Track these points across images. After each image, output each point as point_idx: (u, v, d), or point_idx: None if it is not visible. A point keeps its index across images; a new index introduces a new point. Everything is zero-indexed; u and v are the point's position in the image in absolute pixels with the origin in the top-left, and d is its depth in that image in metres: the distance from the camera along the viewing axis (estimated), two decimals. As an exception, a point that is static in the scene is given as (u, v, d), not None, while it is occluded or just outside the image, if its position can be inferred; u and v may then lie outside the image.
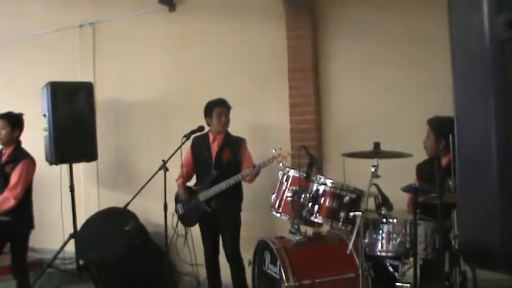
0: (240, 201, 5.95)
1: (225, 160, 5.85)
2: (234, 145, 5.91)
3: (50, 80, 6.67)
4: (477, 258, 1.55)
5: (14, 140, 5.96)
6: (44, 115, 6.68)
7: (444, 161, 4.68)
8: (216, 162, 5.88)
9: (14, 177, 5.72)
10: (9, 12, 8.60)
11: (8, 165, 5.82)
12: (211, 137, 6.00)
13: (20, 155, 5.90)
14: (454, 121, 1.57)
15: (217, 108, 5.91)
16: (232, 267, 5.85)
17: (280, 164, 5.35)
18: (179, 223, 6.16)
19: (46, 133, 6.68)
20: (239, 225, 5.91)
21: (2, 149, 5.98)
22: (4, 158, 5.91)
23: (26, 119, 6.07)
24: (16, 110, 6.00)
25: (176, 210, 6.07)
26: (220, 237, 5.96)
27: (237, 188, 5.83)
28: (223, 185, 5.69)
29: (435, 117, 4.84)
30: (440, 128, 4.70)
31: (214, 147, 5.94)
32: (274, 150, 5.44)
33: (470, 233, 1.52)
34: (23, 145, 6.02)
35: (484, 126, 1.41)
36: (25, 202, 5.78)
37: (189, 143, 5.92)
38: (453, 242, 4.04)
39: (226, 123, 5.94)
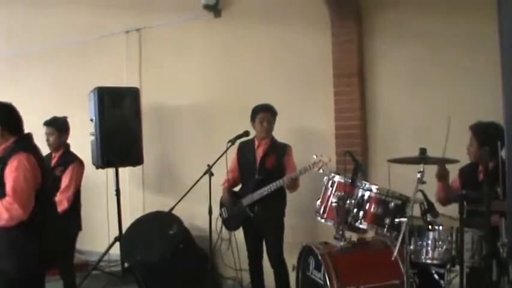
0: (283, 207, 5.93)
1: (268, 166, 5.85)
2: (279, 151, 5.89)
3: (97, 85, 6.76)
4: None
5: (62, 144, 6.08)
6: (91, 120, 6.78)
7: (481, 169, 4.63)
8: (260, 167, 5.89)
9: (65, 180, 5.85)
10: (57, 19, 8.76)
11: (57, 168, 5.93)
12: (256, 143, 6.02)
13: (70, 158, 6.02)
14: (497, 127, 1.54)
15: (260, 114, 5.93)
16: (275, 272, 5.85)
17: (321, 171, 5.36)
18: (223, 227, 6.19)
19: (93, 137, 6.77)
20: (282, 230, 5.90)
21: (52, 152, 6.09)
22: (54, 162, 6.02)
23: (73, 124, 6.18)
24: (64, 115, 6.12)
25: (220, 214, 6.11)
26: (264, 242, 5.97)
27: (280, 194, 5.80)
28: (265, 191, 5.70)
29: (477, 123, 4.77)
30: (483, 134, 4.64)
31: (259, 153, 5.96)
32: (315, 157, 5.43)
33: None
34: (71, 148, 6.14)
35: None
36: (74, 203, 5.89)
37: (234, 148, 5.96)
38: (501, 250, 3.97)
39: (269, 129, 5.94)
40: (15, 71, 9.15)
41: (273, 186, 5.64)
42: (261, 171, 5.87)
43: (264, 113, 5.93)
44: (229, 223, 6.14)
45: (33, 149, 4.22)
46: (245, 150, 6.06)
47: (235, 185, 6.19)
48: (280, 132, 6.00)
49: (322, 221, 5.03)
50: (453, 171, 4.88)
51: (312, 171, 5.44)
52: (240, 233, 6.13)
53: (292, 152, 5.91)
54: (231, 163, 6.05)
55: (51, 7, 8.81)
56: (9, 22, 9.40)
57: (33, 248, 4.09)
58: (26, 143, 4.26)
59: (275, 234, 5.87)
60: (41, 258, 4.14)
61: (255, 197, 5.78)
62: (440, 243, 4.23)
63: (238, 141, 5.91)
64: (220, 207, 6.12)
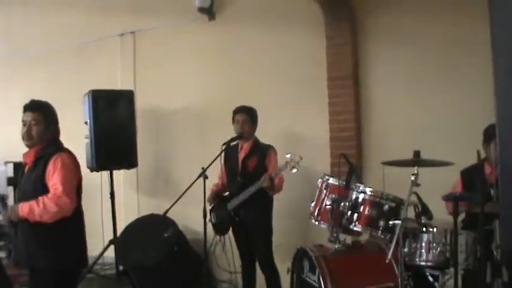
0: (269, 209, 5.88)
1: (250, 168, 5.84)
2: (261, 153, 5.87)
3: (91, 88, 6.75)
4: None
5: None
6: (86, 122, 6.76)
7: (489, 170, 4.64)
8: (241, 170, 5.90)
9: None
10: (53, 22, 8.78)
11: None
12: (240, 145, 6.02)
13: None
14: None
15: (236, 115, 5.98)
16: (266, 278, 5.85)
17: (294, 170, 5.35)
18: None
19: (87, 140, 6.76)
20: (269, 234, 5.87)
21: None
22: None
23: (68, 126, 6.16)
24: (58, 117, 6.10)
25: (210, 219, 6.09)
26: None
27: (264, 197, 5.74)
28: (246, 194, 5.69)
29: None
30: (486, 133, 4.67)
31: (241, 155, 5.96)
32: (288, 156, 5.42)
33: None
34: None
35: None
36: None
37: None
38: (495, 253, 3.98)
39: (244, 130, 5.91)
40: (12, 72, 9.16)
41: (252, 189, 5.63)
42: (242, 173, 5.87)
43: (239, 114, 5.94)
44: (218, 227, 6.14)
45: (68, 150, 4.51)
46: (230, 154, 6.05)
47: (225, 189, 6.19)
48: (274, 135, 6.02)
49: (317, 223, 5.02)
50: (450, 175, 4.88)
51: (312, 173, 5.42)
52: (231, 236, 6.14)
53: (275, 153, 5.83)
54: (221, 167, 6.06)
55: (48, 9, 8.84)
56: (6, 23, 9.42)
57: (71, 245, 4.35)
58: (60, 143, 4.57)
59: (262, 239, 5.84)
60: (82, 257, 4.52)
61: (238, 200, 5.78)
62: (434, 245, 4.25)
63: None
64: (210, 212, 6.11)
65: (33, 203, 4.16)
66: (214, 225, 6.15)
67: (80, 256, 4.52)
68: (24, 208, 4.18)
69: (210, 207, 6.10)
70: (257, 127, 6.04)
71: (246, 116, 5.92)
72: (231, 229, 6.09)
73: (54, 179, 4.24)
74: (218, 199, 6.08)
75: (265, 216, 5.86)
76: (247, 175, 5.80)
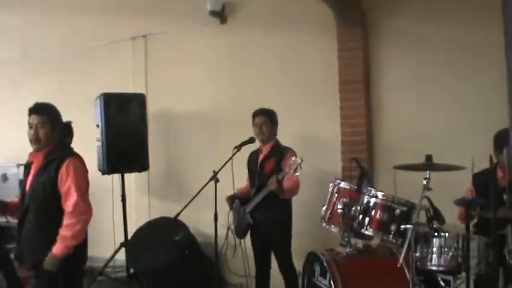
0: (286, 212, 5.81)
1: (267, 170, 5.79)
2: (279, 155, 5.81)
3: (103, 91, 6.77)
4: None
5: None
6: (97, 125, 6.77)
7: (501, 174, 4.61)
8: (259, 172, 5.87)
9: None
10: (64, 25, 8.83)
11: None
12: (260, 148, 6.02)
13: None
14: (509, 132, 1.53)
15: (256, 118, 5.96)
16: (283, 278, 5.80)
17: (297, 172, 5.31)
18: (229, 234, 6.19)
19: (99, 143, 6.77)
20: (288, 236, 5.82)
21: None
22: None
23: (80, 129, 6.17)
24: (70, 120, 6.12)
25: (233, 222, 6.11)
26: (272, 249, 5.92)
27: (281, 201, 5.67)
28: (259, 197, 5.69)
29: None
30: (496, 139, 4.64)
31: (260, 158, 5.95)
32: (292, 158, 5.39)
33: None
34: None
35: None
36: None
37: (241, 154, 5.93)
38: (507, 257, 3.96)
39: (264, 132, 5.90)
40: (24, 75, 9.22)
41: (265, 191, 5.61)
42: (260, 175, 5.85)
43: (258, 117, 5.93)
44: (237, 230, 6.12)
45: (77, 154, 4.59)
46: (252, 156, 6.08)
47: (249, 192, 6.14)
48: (286, 139, 5.99)
49: (328, 227, 5.02)
50: (461, 179, 4.86)
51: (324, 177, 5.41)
52: (246, 239, 6.12)
53: (292, 155, 5.66)
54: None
55: (60, 13, 8.87)
56: (19, 26, 9.47)
57: (81, 246, 4.43)
58: (69, 146, 4.66)
59: (280, 241, 5.80)
60: (85, 255, 4.63)
61: (253, 203, 5.77)
62: (446, 250, 4.22)
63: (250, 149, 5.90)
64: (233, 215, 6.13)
65: (60, 238, 4.27)
66: (235, 228, 6.14)
67: (81, 256, 4.59)
68: (58, 249, 4.27)
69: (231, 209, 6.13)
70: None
71: (265, 118, 5.91)
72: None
73: (67, 185, 4.32)
74: (232, 202, 6.07)
75: (283, 218, 5.79)
76: (264, 177, 5.76)
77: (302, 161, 5.31)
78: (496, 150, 4.61)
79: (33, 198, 4.37)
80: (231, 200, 6.04)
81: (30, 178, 4.50)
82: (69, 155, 4.46)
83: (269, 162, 5.83)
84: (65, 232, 4.27)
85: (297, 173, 5.33)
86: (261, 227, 5.81)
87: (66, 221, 4.28)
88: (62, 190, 4.32)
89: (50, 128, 4.45)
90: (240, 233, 6.08)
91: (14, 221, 5.05)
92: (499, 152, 4.59)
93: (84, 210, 4.37)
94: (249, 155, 6.09)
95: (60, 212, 4.34)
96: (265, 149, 5.95)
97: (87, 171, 4.58)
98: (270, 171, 5.73)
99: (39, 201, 4.34)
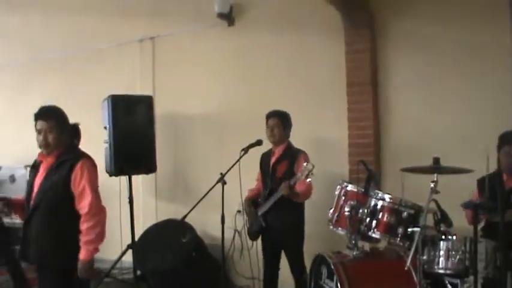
0: (299, 215, 5.81)
1: (279, 173, 5.78)
2: (291, 158, 5.80)
3: (111, 93, 6.78)
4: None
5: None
6: (105, 127, 6.78)
7: (505, 177, 4.59)
8: (271, 175, 5.86)
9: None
10: (73, 27, 8.87)
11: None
12: (273, 150, 6.01)
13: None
14: None
15: (268, 120, 5.95)
16: (295, 281, 5.79)
17: (309, 179, 5.34)
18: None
19: (106, 145, 6.78)
20: (300, 240, 5.82)
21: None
22: None
23: (87, 131, 6.18)
24: (78, 122, 6.13)
25: (246, 224, 6.14)
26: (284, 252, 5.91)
27: (293, 204, 5.68)
28: (271, 201, 5.68)
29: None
30: (499, 139, 4.64)
31: (272, 160, 5.93)
32: (304, 165, 5.40)
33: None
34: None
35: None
36: None
37: (251, 157, 5.92)
38: (515, 261, 3.94)
39: (276, 134, 5.89)
40: (31, 77, 9.27)
41: (275, 196, 5.62)
42: (272, 178, 5.83)
43: (271, 119, 5.92)
44: (250, 233, 6.12)
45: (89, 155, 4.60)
46: (265, 159, 6.07)
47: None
48: (294, 141, 5.98)
49: (335, 230, 5.00)
50: (469, 182, 4.84)
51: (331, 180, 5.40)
52: (255, 242, 6.15)
53: (304, 158, 5.72)
54: (258, 173, 6.13)
55: (68, 15, 8.91)
56: (26, 28, 9.52)
57: (77, 244, 4.34)
58: (79, 149, 4.70)
59: (292, 244, 5.80)
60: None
61: (265, 207, 5.76)
62: (453, 253, 4.20)
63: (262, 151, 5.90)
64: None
65: (85, 244, 4.32)
66: (248, 230, 6.15)
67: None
68: (87, 255, 4.32)
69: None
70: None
71: (278, 120, 5.89)
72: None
73: (82, 185, 4.34)
74: (250, 206, 6.08)
75: (295, 222, 5.79)
76: (277, 180, 5.76)
77: (314, 167, 5.33)
78: (498, 150, 4.62)
79: (43, 198, 4.37)
80: (250, 205, 6.08)
81: (39, 178, 4.49)
82: (82, 156, 4.49)
83: (281, 165, 5.82)
84: (87, 237, 4.29)
85: (309, 179, 5.33)
86: (273, 230, 5.79)
87: (85, 224, 4.29)
88: (75, 191, 4.34)
89: (59, 131, 4.45)
90: (252, 236, 6.09)
91: (18, 220, 5.09)
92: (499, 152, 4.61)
93: (100, 209, 4.40)
94: (261, 155, 6.09)
95: (70, 213, 4.35)
96: (278, 152, 5.94)
97: (97, 172, 4.59)
98: (282, 175, 5.74)
99: (49, 201, 4.34)
